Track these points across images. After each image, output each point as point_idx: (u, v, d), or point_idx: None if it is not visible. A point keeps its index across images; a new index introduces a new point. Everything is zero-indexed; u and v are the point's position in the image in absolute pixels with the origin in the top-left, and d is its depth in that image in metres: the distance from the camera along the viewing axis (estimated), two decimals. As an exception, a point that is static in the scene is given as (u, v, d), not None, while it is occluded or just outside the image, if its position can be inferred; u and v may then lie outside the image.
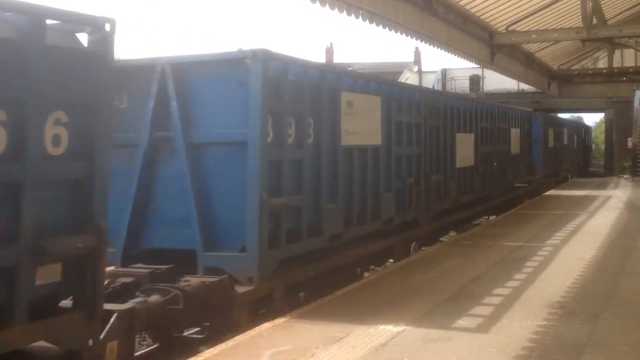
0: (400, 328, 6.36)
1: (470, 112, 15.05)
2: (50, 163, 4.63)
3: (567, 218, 15.07)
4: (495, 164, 16.86)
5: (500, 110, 17.99)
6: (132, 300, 6.01)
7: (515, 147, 19.48)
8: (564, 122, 33.29)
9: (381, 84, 10.55)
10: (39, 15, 4.50)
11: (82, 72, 4.89)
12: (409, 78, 39.93)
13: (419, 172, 11.67)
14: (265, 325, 6.57)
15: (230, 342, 6.08)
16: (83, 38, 5.13)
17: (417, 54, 50.92)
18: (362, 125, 9.47)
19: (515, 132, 19.44)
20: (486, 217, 17.53)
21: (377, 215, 9.99)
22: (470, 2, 16.66)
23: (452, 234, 14.83)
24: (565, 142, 31.82)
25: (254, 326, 6.63)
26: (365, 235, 9.80)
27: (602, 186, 25.74)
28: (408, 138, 11.20)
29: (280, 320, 6.76)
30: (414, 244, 11.78)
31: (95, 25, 4.97)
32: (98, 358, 5.06)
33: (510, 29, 19.57)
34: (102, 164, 5.02)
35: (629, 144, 30.90)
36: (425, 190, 11.97)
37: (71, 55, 4.89)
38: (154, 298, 6.25)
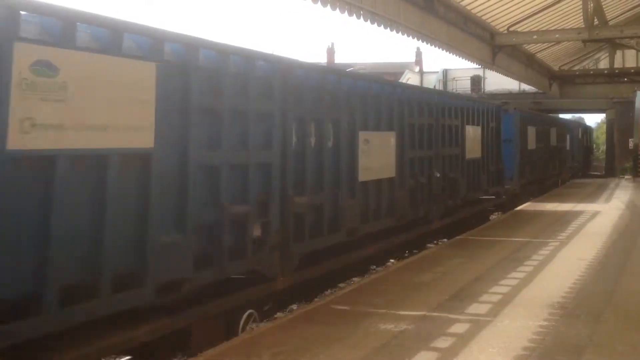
0: (401, 328, 6.35)
1: (390, 102, 10.45)
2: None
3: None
4: (437, 175, 12.39)
5: (446, 101, 13.39)
6: None
7: (473, 151, 14.88)
8: (552, 120, 29.72)
9: (158, 39, 5.66)
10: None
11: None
12: (410, 78, 39.99)
13: (266, 193, 7.15)
14: (267, 326, 6.58)
15: (231, 342, 6.08)
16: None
17: (419, 54, 51.05)
18: (87, 110, 4.83)
19: (472, 131, 14.86)
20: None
21: (139, 279, 5.41)
22: (472, 3, 16.68)
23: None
24: (555, 143, 28.18)
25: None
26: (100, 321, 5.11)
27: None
28: (240, 137, 6.73)
29: (281, 321, 6.76)
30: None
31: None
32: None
33: (511, 29, 19.59)
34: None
35: (630, 145, 30.88)
36: (282, 221, 7.43)
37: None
38: None
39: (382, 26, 12.70)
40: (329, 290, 9.32)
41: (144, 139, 5.39)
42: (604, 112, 42.12)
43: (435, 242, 13.29)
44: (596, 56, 32.78)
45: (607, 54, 29.33)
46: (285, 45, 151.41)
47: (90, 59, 4.92)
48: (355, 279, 9.79)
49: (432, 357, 5.55)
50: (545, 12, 19.61)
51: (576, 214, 15.92)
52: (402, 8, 13.10)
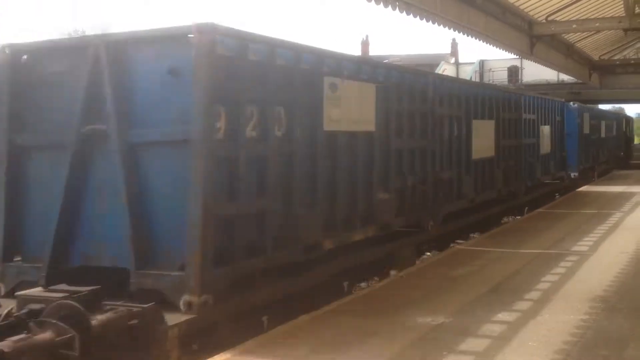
0: (438, 321, 6.32)
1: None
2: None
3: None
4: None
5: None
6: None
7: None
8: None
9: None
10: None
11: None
12: (445, 70, 39.59)
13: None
14: (304, 318, 6.58)
15: (269, 334, 6.11)
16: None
17: (454, 45, 50.50)
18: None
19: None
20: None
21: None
22: (510, -8, 16.43)
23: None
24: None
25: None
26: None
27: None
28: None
29: (318, 313, 6.77)
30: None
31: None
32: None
33: (550, 18, 19.25)
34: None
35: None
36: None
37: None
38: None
39: (418, 17, 12.58)
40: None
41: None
42: (645, 103, 41.30)
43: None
44: (637, 45, 32.05)
45: (649, 43, 28.70)
46: (319, 38, 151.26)
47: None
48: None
49: (471, 350, 5.51)
50: (584, 0, 19.25)
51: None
52: (438, -1, 12.96)
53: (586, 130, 24.70)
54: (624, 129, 39.87)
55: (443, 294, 7.43)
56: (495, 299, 7.14)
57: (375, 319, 6.46)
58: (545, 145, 17.78)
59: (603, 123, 30.12)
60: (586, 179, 24.06)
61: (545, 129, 17.81)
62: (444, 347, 5.57)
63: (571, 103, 23.44)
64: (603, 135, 29.65)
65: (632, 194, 18.35)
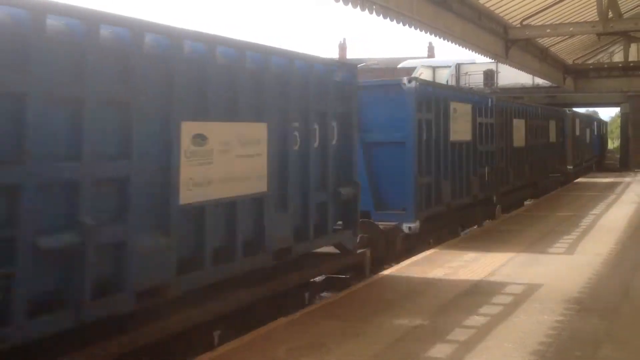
0: (415, 323, 6.34)
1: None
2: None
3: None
4: None
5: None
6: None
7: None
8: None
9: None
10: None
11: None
12: (422, 73, 39.81)
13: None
14: (281, 321, 6.58)
15: (246, 337, 6.09)
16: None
17: (431, 49, 50.92)
18: None
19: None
20: None
21: None
22: (485, -4, 16.56)
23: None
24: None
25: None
26: None
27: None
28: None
29: (295, 316, 6.76)
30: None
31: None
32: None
33: (525, 23, 19.45)
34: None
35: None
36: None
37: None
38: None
39: (395, 21, 12.63)
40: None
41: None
42: (618, 106, 41.79)
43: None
44: (610, 49, 32.49)
45: (622, 47, 29.06)
46: (297, 42, 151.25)
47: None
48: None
49: (448, 351, 5.53)
50: (559, 5, 19.46)
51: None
52: (415, 2, 13.02)
53: (457, 134, 13.18)
54: (579, 133, 31.70)
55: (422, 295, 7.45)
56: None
57: (354, 321, 6.46)
58: (245, 180, 6.42)
59: (519, 123, 18.95)
60: (451, 226, 13.04)
61: (253, 140, 6.58)
62: (422, 349, 5.59)
63: (404, 80, 11.72)
64: (520, 143, 18.85)
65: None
